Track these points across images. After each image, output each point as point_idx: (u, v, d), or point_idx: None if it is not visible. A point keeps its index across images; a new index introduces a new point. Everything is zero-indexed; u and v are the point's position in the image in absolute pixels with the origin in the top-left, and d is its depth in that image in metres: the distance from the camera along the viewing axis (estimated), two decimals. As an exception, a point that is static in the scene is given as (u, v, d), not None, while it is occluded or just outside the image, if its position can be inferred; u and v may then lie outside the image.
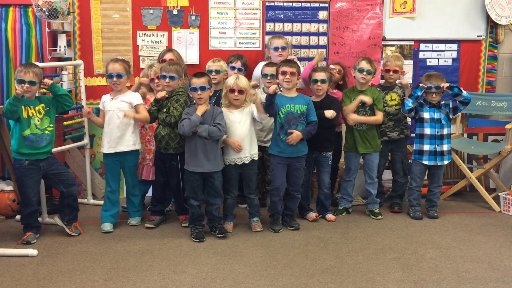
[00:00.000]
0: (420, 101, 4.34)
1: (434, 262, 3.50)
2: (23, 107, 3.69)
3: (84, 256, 3.58)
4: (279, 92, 4.16)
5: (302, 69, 4.50)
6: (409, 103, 4.27)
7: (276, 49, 4.57)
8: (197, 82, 3.85)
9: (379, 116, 4.34)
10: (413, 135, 4.57)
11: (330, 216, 4.37)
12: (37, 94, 3.87)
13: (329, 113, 4.14)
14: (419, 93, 4.25)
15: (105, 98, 4.14)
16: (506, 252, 3.68)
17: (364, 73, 4.31)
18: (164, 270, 3.35)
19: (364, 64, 4.33)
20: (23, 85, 3.60)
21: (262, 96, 4.41)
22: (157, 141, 4.08)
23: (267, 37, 5.00)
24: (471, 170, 4.90)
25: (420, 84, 4.29)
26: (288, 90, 4.05)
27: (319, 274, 3.29)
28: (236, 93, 3.94)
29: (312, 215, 4.33)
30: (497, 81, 5.36)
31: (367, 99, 4.27)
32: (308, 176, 4.34)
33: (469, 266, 3.43)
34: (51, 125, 3.86)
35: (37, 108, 3.77)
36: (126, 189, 4.29)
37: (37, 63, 3.84)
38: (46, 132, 3.81)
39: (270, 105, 3.91)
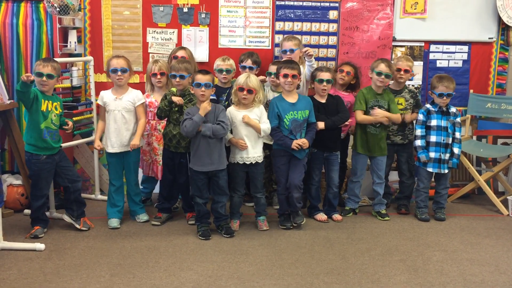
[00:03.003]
0: (429, 108, 4.33)
1: (440, 264, 3.49)
2: (43, 100, 3.74)
3: (90, 251, 3.60)
4: (280, 94, 4.15)
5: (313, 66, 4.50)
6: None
7: (284, 52, 4.54)
8: (202, 78, 3.81)
9: (399, 116, 4.38)
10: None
11: (336, 216, 4.36)
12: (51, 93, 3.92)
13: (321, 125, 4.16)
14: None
15: (107, 97, 4.11)
16: (514, 256, 3.66)
17: (383, 76, 4.29)
18: (170, 267, 3.36)
19: (383, 68, 4.28)
20: (28, 74, 3.56)
21: (270, 95, 4.41)
22: (167, 140, 4.08)
23: (277, 36, 5.01)
24: (480, 173, 4.88)
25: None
26: (288, 92, 4.04)
27: (325, 274, 3.28)
28: (245, 92, 3.93)
29: (323, 216, 4.32)
30: (507, 83, 5.31)
31: (385, 120, 4.32)
32: (319, 176, 4.34)
33: (476, 270, 3.41)
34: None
35: (54, 104, 3.85)
36: (128, 187, 4.28)
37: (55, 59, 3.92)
38: (58, 129, 3.90)
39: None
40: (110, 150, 4.11)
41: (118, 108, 4.08)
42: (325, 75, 4.16)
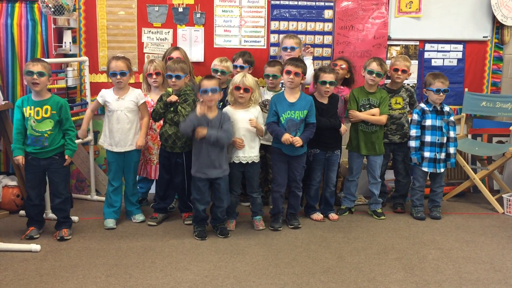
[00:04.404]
0: (423, 108, 4.34)
1: (436, 263, 3.50)
2: (24, 109, 3.71)
3: (86, 252, 3.60)
4: (282, 90, 4.15)
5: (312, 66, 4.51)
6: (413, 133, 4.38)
7: (285, 49, 4.55)
8: (208, 84, 3.81)
9: (382, 117, 4.32)
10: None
11: (333, 215, 4.36)
12: (46, 95, 3.81)
13: (343, 129, 4.27)
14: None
15: (109, 97, 4.10)
16: (509, 254, 3.67)
17: (374, 75, 4.29)
18: (166, 267, 3.36)
19: (374, 66, 4.28)
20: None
21: (266, 95, 4.40)
22: (163, 140, 4.07)
23: (272, 36, 5.02)
24: (475, 171, 4.89)
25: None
26: (290, 89, 4.03)
27: (321, 273, 3.29)
28: (241, 91, 3.93)
29: (319, 216, 4.33)
30: (502, 82, 5.33)
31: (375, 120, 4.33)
32: (320, 177, 4.34)
33: (471, 268, 3.43)
34: (52, 130, 3.74)
35: (36, 109, 3.71)
36: (126, 187, 4.26)
37: (44, 59, 3.89)
38: (45, 135, 3.72)
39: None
40: (114, 149, 4.10)
41: (121, 108, 4.07)
42: (328, 77, 4.12)
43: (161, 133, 4.09)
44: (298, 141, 3.94)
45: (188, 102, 3.98)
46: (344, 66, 4.59)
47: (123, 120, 4.08)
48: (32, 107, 3.72)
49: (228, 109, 4.03)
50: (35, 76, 3.65)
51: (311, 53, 4.57)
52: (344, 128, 4.29)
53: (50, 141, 3.75)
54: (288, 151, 4.01)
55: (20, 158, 3.74)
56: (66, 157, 3.84)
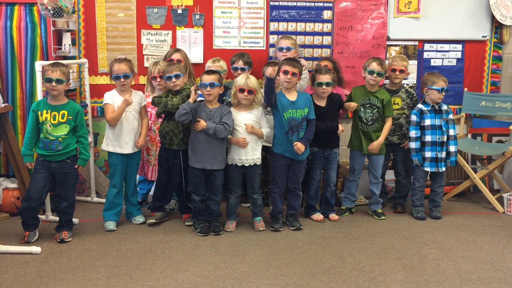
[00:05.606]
0: (421, 108, 4.34)
1: (436, 262, 3.50)
2: (39, 112, 3.71)
3: (87, 254, 3.60)
4: (280, 90, 4.15)
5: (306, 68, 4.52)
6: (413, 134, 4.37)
7: (280, 49, 4.56)
8: (207, 78, 3.87)
9: (389, 123, 4.36)
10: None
11: (333, 215, 4.36)
12: (63, 100, 3.81)
13: (340, 130, 4.31)
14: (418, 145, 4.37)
15: (117, 99, 4.06)
16: (509, 253, 3.67)
17: (375, 75, 4.29)
18: (167, 268, 3.36)
19: (374, 66, 4.28)
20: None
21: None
22: (162, 137, 4.11)
23: (271, 37, 5.02)
24: (475, 170, 4.89)
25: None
26: (287, 89, 4.03)
27: (322, 274, 3.29)
28: (245, 93, 3.94)
29: (319, 216, 4.33)
30: (501, 81, 5.34)
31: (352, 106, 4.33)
32: (320, 176, 4.34)
33: (472, 267, 3.43)
34: (66, 135, 3.74)
35: (53, 113, 3.72)
36: (127, 188, 4.26)
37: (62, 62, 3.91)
38: (60, 139, 3.72)
39: (270, 93, 3.88)
40: (124, 151, 4.09)
41: (130, 110, 4.08)
42: (324, 78, 4.14)
43: (160, 130, 4.11)
44: (299, 149, 3.97)
45: (182, 96, 4.01)
46: (327, 65, 4.59)
47: (132, 120, 4.10)
48: (49, 111, 3.72)
49: (231, 110, 4.03)
50: (54, 83, 3.66)
51: (304, 66, 4.58)
52: (341, 129, 4.30)
53: (64, 146, 3.75)
54: (293, 156, 4.02)
55: (29, 165, 3.82)
56: (76, 166, 3.85)
